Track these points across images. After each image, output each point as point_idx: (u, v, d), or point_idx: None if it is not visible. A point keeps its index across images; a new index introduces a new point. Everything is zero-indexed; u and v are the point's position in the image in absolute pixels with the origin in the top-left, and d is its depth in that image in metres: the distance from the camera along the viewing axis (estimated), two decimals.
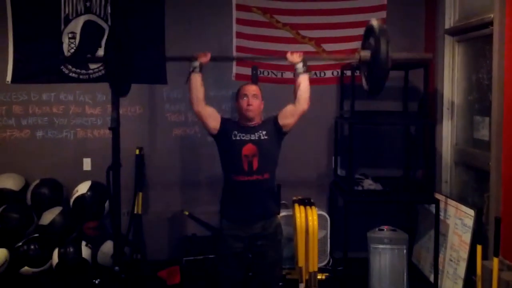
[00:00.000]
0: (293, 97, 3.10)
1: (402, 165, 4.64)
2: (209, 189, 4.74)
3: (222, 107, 4.75)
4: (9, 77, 4.62)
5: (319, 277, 3.92)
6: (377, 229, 3.85)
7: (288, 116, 3.04)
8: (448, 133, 4.32)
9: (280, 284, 3.09)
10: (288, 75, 4.73)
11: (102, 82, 4.57)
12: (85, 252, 4.28)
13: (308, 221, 3.76)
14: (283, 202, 4.29)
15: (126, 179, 4.32)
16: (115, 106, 3.97)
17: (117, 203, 4.04)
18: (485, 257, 3.31)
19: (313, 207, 3.89)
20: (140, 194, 4.62)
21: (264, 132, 2.99)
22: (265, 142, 2.97)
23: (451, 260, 3.84)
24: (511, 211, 3.22)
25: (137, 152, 4.65)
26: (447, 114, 4.32)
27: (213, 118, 3.05)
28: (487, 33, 3.59)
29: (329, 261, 4.45)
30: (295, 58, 3.05)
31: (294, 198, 4.14)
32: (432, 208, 4.04)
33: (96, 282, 4.10)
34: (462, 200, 3.96)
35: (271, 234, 2.97)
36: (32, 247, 4.26)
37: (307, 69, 3.04)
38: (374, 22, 2.97)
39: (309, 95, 3.03)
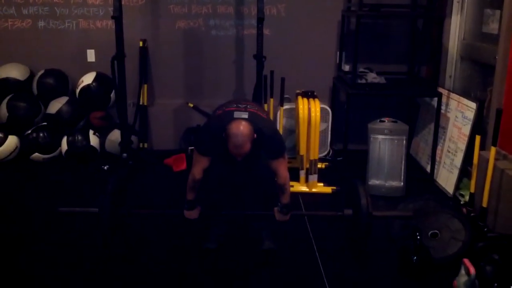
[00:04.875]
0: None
1: (407, 61, 4.62)
2: (212, 82, 4.77)
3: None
4: None
5: (319, 166, 4.06)
6: (378, 120, 3.92)
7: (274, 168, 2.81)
8: (456, 28, 4.24)
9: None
10: None
11: None
12: (93, 140, 4.41)
13: (311, 112, 3.82)
14: (286, 96, 4.32)
15: (130, 71, 4.34)
16: None
17: (122, 92, 4.11)
18: (482, 148, 3.41)
19: (316, 99, 3.93)
20: (145, 86, 4.66)
21: (252, 158, 2.76)
22: (254, 163, 2.83)
23: (448, 152, 3.96)
24: None
25: (141, 44, 4.63)
26: (457, 7, 4.21)
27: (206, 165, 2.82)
28: None
29: (329, 152, 4.59)
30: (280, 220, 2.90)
31: (298, 91, 4.17)
32: (434, 102, 4.09)
33: (105, 168, 4.26)
34: (465, 94, 3.99)
35: None
36: (41, 134, 4.39)
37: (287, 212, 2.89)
38: (358, 184, 2.91)
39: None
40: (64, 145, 4.40)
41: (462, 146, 3.77)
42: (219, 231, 3.09)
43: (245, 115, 2.69)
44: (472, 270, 2.47)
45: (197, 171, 2.79)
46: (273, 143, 2.77)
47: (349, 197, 3.04)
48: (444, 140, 4.04)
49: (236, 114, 2.69)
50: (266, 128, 2.73)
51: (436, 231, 2.98)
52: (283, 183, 2.81)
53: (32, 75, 4.54)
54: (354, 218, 2.93)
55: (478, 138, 3.31)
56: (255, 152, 2.69)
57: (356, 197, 2.88)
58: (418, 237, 2.78)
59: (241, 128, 2.58)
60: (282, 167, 2.79)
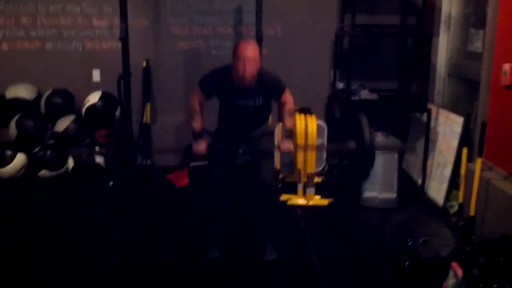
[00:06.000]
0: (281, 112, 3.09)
1: (398, 78, 4.84)
2: (214, 100, 4.93)
3: (226, 20, 4.86)
4: None
5: (315, 180, 4.23)
6: None
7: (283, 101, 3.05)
8: (443, 46, 4.48)
9: (273, 174, 3.25)
10: None
11: None
12: (99, 157, 4.58)
13: (308, 127, 4.02)
14: None
15: (134, 90, 4.53)
16: (123, 16, 4.11)
17: (128, 110, 4.30)
18: (469, 159, 3.60)
19: (312, 115, 4.13)
20: (148, 104, 4.85)
21: (261, 98, 2.93)
22: (260, 107, 2.97)
23: (438, 165, 4.15)
24: (496, 118, 3.45)
25: (144, 64, 4.83)
26: (443, 27, 4.46)
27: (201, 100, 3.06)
28: None
29: (325, 167, 4.77)
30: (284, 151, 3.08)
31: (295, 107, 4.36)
32: (424, 117, 4.30)
33: (110, 184, 4.42)
34: (453, 109, 4.20)
35: (261, 134, 3.13)
36: (49, 152, 4.57)
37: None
38: (361, 118, 3.04)
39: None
40: (70, 162, 4.57)
41: (451, 158, 3.96)
42: (221, 240, 3.24)
43: None
44: (460, 273, 2.64)
45: (193, 101, 3.02)
46: (277, 80, 3.00)
47: (353, 130, 3.14)
48: (434, 153, 4.23)
49: None
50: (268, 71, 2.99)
51: (427, 238, 3.16)
52: (292, 108, 3.09)
53: (40, 95, 4.74)
54: (358, 149, 3.00)
55: (465, 150, 3.51)
56: (260, 92, 2.89)
57: (359, 129, 2.96)
58: (410, 243, 2.95)
59: (250, 42, 2.82)
60: (290, 96, 3.06)
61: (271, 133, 3.25)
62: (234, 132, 3.09)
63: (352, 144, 3.09)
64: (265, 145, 3.13)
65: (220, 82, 2.93)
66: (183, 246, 3.36)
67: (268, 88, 2.95)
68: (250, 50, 2.73)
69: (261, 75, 2.84)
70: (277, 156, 4.41)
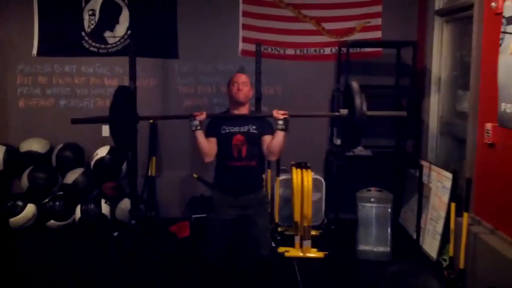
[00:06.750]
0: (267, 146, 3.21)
1: (393, 136, 5.05)
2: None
3: None
4: (34, 51, 5.07)
5: (313, 233, 4.36)
6: (365, 189, 4.28)
7: (263, 144, 3.23)
8: (435, 106, 4.72)
9: (271, 247, 3.36)
10: (290, 51, 5.13)
11: (120, 56, 5.02)
12: (105, 208, 4.78)
13: (304, 181, 4.20)
14: (283, 167, 4.74)
15: (141, 145, 4.75)
16: (133, 76, 4.40)
17: (134, 164, 4.51)
18: (459, 214, 3.73)
19: (308, 170, 4.32)
20: (154, 158, 5.07)
21: (254, 127, 3.22)
22: (253, 135, 3.20)
23: (431, 219, 4.28)
24: (482, 174, 3.62)
25: (151, 120, 5.09)
26: (434, 88, 4.71)
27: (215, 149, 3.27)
28: (470, 14, 3.93)
29: (323, 221, 4.90)
30: (279, 115, 3.18)
31: (292, 162, 4.56)
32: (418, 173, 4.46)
33: (115, 234, 4.59)
34: (446, 166, 4.37)
35: (258, 203, 3.28)
36: (57, 203, 4.77)
37: (286, 128, 3.17)
38: (353, 83, 3.17)
39: (279, 149, 3.18)
40: (77, 213, 4.76)
41: (443, 213, 4.08)
42: None
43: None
44: None
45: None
46: (269, 122, 3.31)
47: (346, 98, 3.23)
48: (428, 208, 4.36)
49: None
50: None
51: None
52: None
53: (51, 148, 5.00)
54: (350, 117, 3.10)
55: (453, 206, 3.66)
56: (254, 122, 3.23)
57: (351, 97, 3.06)
58: None
59: (242, 73, 3.35)
60: None
61: (267, 203, 3.42)
62: (232, 180, 3.25)
63: (344, 112, 3.22)
64: (261, 222, 3.27)
65: (219, 118, 3.33)
66: None
67: (260, 119, 3.29)
68: (242, 76, 3.29)
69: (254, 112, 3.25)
70: (276, 206, 4.58)
